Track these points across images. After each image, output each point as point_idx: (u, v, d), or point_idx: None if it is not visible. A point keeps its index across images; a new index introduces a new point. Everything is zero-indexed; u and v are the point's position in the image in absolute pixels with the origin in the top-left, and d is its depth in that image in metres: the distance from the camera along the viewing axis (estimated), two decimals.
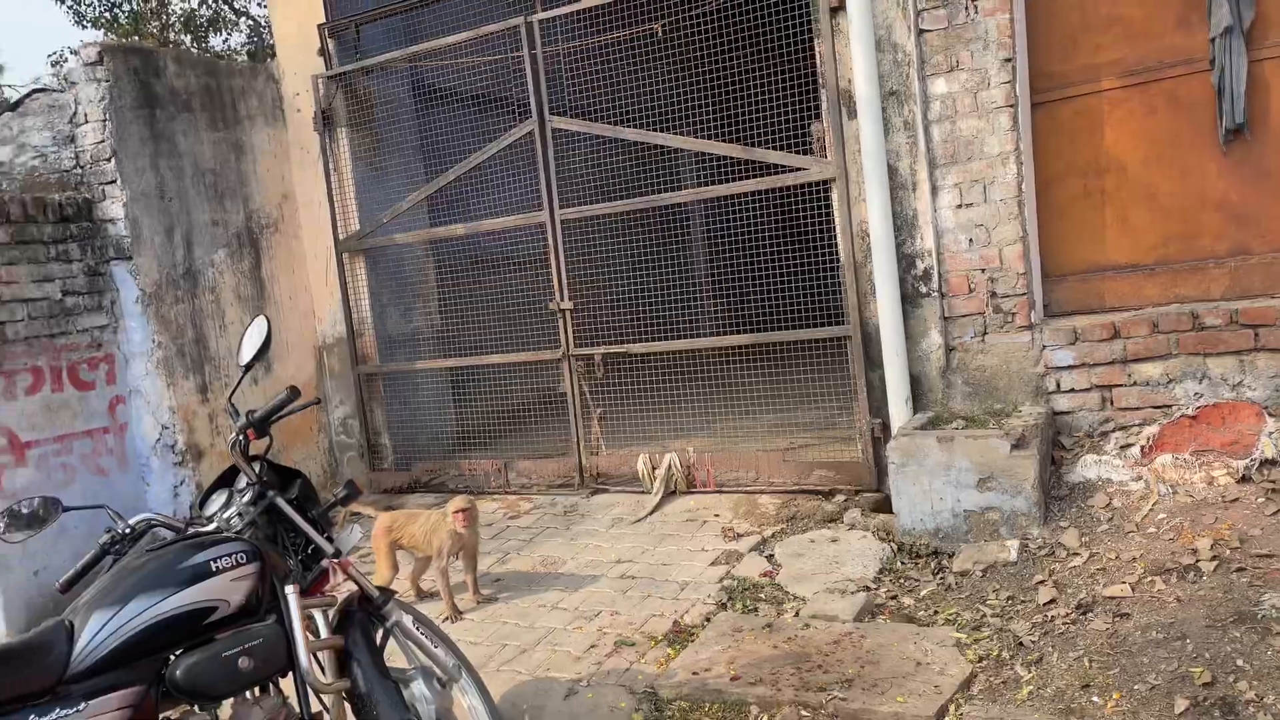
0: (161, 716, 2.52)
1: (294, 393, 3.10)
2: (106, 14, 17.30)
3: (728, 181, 5.47)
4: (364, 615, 3.15)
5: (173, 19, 17.33)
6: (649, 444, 5.86)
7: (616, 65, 5.84)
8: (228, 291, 6.51)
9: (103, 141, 5.85)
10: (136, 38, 17.03)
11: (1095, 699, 3.05)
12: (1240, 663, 3.02)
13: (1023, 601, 3.80)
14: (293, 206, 7.04)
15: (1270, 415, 4.25)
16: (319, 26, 6.69)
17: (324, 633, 2.91)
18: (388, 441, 6.93)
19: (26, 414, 5.34)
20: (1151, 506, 4.06)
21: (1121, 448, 4.40)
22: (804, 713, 3.29)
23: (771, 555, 4.70)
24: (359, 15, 6.60)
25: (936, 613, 3.89)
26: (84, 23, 17.46)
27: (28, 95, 6.00)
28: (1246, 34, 4.50)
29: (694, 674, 3.62)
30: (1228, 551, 3.60)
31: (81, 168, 5.92)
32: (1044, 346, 4.81)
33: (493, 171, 6.27)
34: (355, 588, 3.21)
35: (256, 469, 3.10)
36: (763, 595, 4.30)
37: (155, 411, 6.04)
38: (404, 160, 6.84)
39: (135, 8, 17.19)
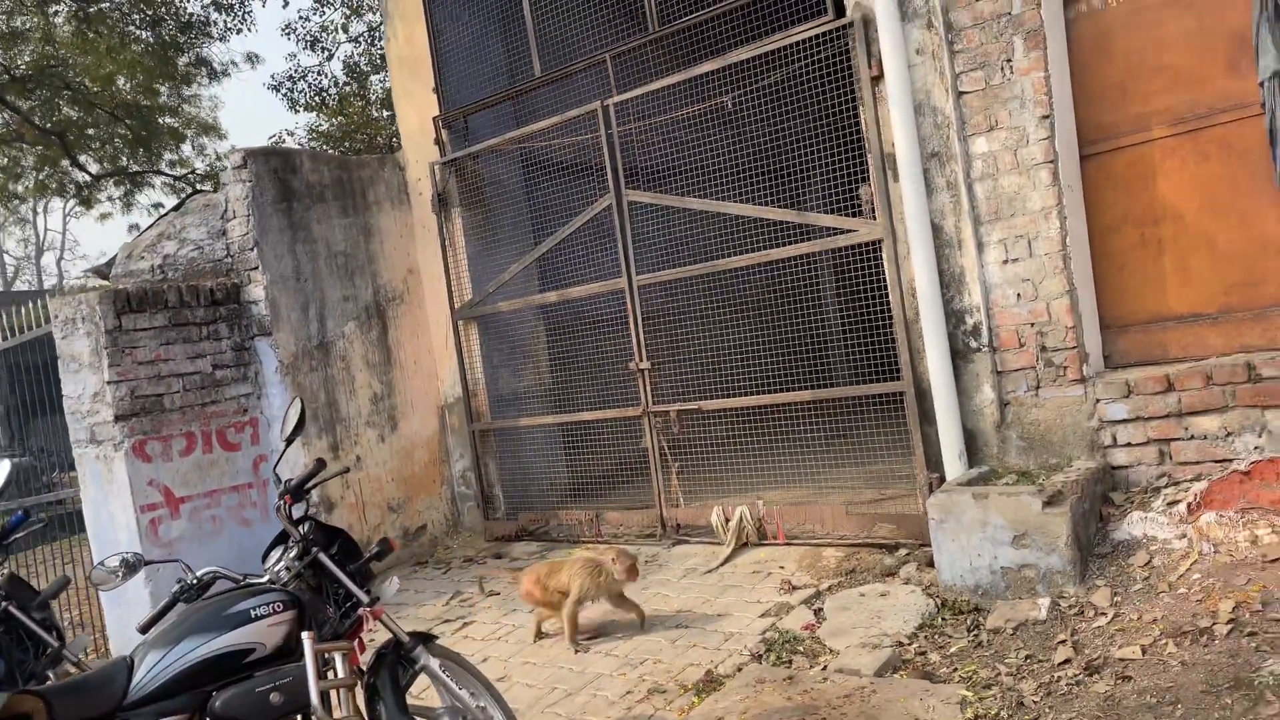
0: None
1: (320, 464, 3.63)
2: (315, 98, 19.31)
3: (789, 244, 5.71)
4: (394, 658, 3.60)
5: (373, 97, 19.10)
6: (724, 497, 6.11)
7: (686, 139, 6.21)
8: (357, 359, 7.29)
9: (247, 233, 6.75)
10: (342, 117, 18.95)
11: None
12: None
13: (1039, 661, 3.80)
14: (417, 279, 7.79)
15: None
16: (434, 119, 7.43)
17: (342, 673, 3.36)
18: (499, 493, 7.48)
19: (181, 473, 6.21)
20: (1189, 566, 3.97)
21: (1169, 504, 4.29)
22: None
23: (820, 609, 4.84)
24: (467, 107, 7.30)
25: (956, 670, 3.95)
26: (296, 108, 19.55)
27: (187, 197, 6.99)
28: None
29: None
30: (1247, 615, 3.50)
31: (231, 257, 6.85)
32: (1098, 400, 4.76)
33: (582, 241, 6.74)
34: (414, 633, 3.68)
35: (304, 529, 3.62)
36: (800, 648, 4.46)
37: (293, 469, 6.80)
38: (510, 233, 7.45)
39: (340, 91, 19.08)
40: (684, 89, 6.05)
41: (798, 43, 5.47)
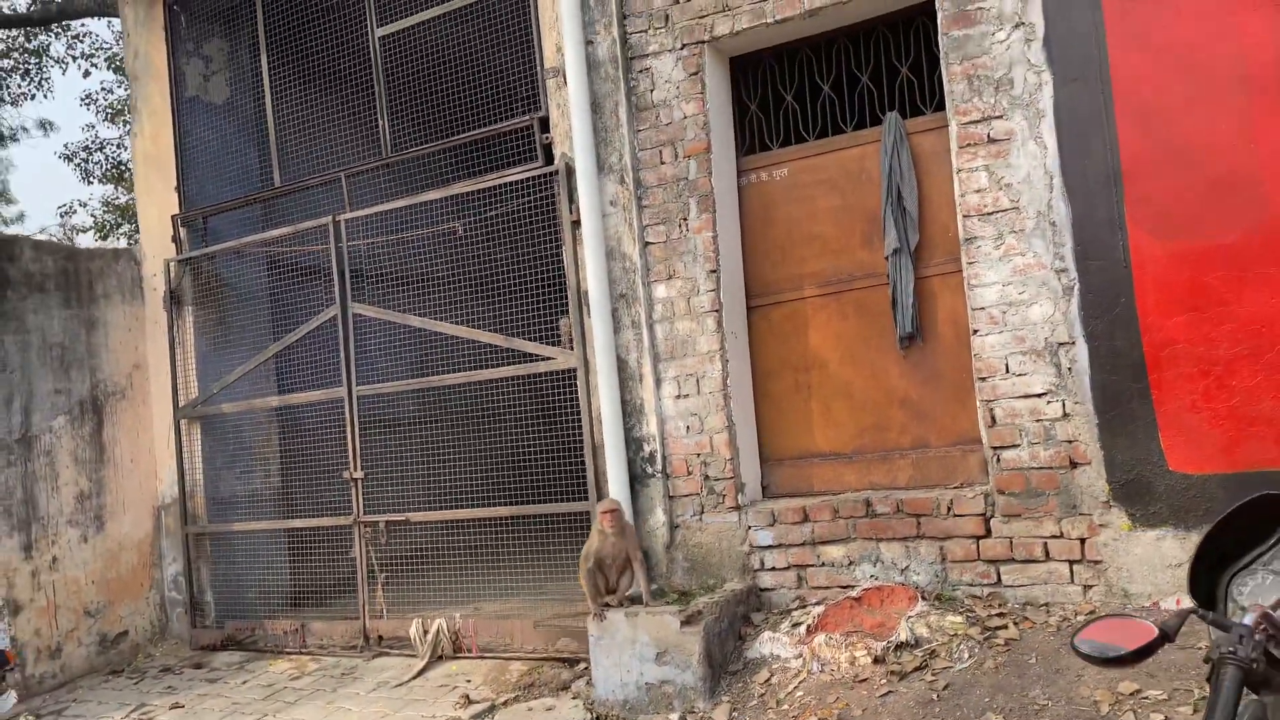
0: None
1: None
2: (113, 171, 18.56)
3: (497, 366, 6.04)
4: None
5: None
6: (425, 609, 6.21)
7: (413, 259, 6.52)
8: (64, 454, 7.00)
9: None
10: None
11: None
12: None
13: None
14: (144, 376, 7.61)
15: (923, 599, 4.64)
16: (173, 216, 7.43)
17: None
18: (211, 599, 7.27)
19: None
20: (798, 684, 4.41)
21: (794, 625, 4.76)
22: None
23: None
24: (206, 208, 7.35)
25: None
26: (90, 179, 18.74)
27: None
28: (914, 254, 5.13)
29: None
30: None
31: None
32: (749, 527, 5.25)
33: (311, 348, 6.85)
34: None
35: None
36: None
37: None
38: (245, 335, 7.43)
39: None
40: (413, 212, 6.37)
41: (513, 183, 5.91)
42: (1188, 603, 2.10)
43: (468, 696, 5.37)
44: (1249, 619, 1.84)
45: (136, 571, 7.37)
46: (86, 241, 20.03)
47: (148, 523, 7.50)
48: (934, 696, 3.98)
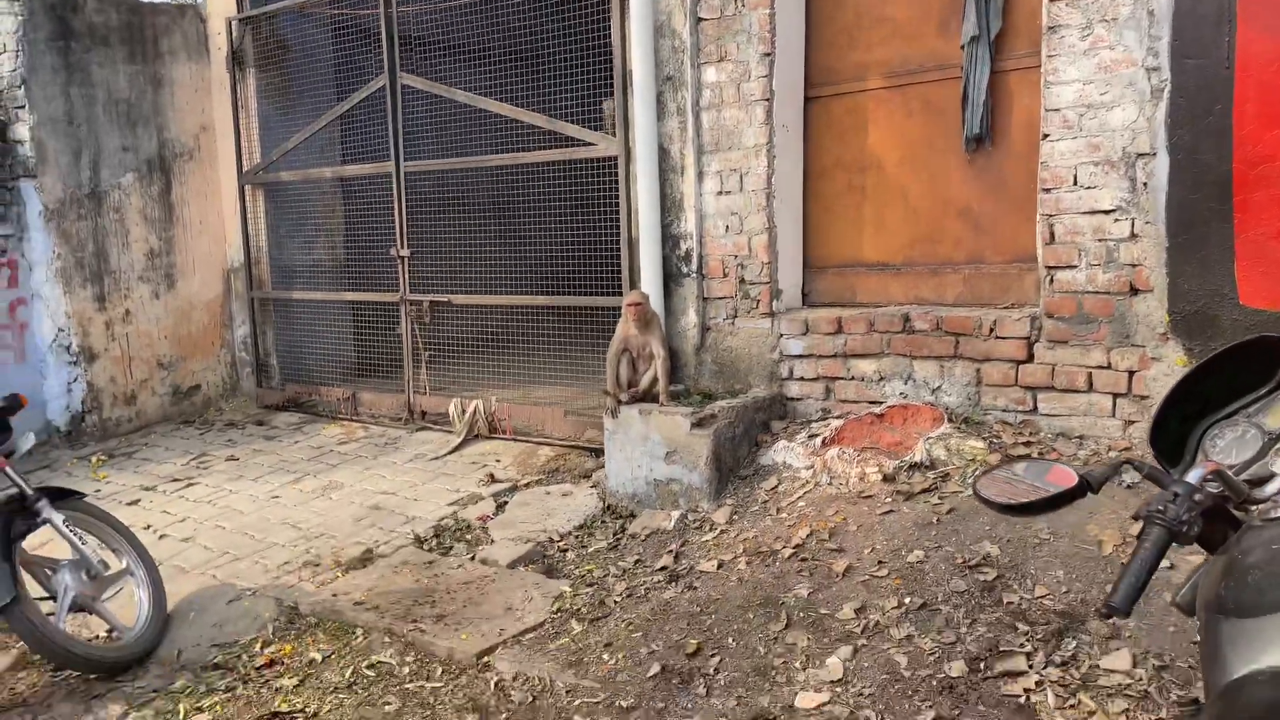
0: None
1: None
2: None
3: (540, 149, 5.78)
4: (12, 509, 3.74)
5: None
6: (465, 389, 6.31)
7: (467, 28, 6.17)
8: (133, 212, 7.17)
9: (15, 70, 6.52)
10: None
11: (604, 656, 3.42)
12: (730, 641, 3.34)
13: (645, 566, 4.14)
14: (211, 137, 7.63)
15: (949, 421, 4.41)
16: None
17: None
18: (275, 362, 7.56)
19: None
20: (804, 494, 4.31)
21: (810, 436, 4.62)
22: (386, 639, 3.76)
23: (505, 503, 5.11)
24: None
25: (578, 568, 4.27)
26: None
27: None
28: (993, 44, 4.54)
29: (334, 595, 4.12)
30: (815, 542, 3.86)
31: None
32: (780, 334, 5.03)
33: (365, 118, 6.69)
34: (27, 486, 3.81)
35: None
36: (467, 536, 4.74)
37: (53, 315, 6.78)
38: (307, 100, 7.29)
39: None
40: None
41: None
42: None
43: (493, 475, 5.49)
44: (1194, 476, 1.58)
45: (208, 330, 7.67)
46: None
47: (218, 284, 7.73)
48: (934, 520, 3.82)
